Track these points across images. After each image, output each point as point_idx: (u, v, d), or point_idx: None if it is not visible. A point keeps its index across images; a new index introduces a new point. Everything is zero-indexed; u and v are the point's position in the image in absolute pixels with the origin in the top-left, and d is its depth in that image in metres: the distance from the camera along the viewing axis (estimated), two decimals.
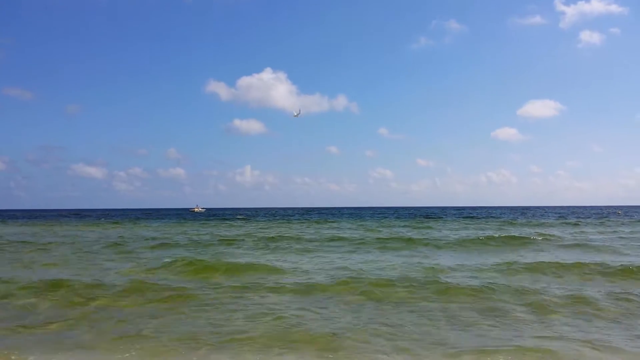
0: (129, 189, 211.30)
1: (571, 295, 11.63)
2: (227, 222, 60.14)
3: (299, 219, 67.75)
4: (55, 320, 9.74)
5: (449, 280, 13.55)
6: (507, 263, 16.80)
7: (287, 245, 25.51)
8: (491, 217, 72.62)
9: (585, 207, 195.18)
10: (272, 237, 30.86)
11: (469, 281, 13.48)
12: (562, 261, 16.97)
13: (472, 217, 71.54)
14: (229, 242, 27.84)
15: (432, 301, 11.21)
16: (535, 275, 14.79)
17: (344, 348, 7.99)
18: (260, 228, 43.72)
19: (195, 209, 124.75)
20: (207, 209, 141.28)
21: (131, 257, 20.28)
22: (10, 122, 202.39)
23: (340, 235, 32.50)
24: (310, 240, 28.33)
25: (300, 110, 39.73)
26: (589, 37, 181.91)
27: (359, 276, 14.24)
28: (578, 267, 15.69)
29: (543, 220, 57.11)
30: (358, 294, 11.96)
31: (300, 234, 34.91)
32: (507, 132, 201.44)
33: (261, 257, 20.31)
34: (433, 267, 16.28)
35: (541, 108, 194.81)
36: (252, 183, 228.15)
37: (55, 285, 12.95)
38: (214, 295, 12.01)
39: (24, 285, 13.06)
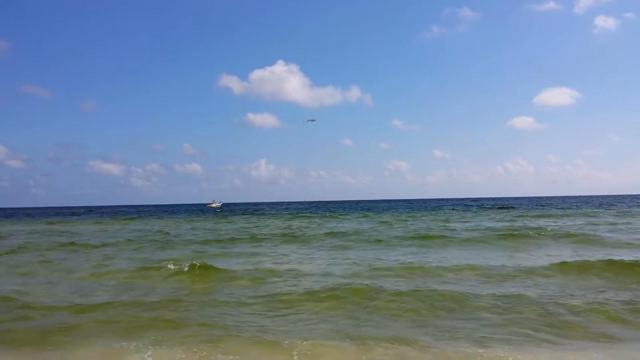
0: (146, 184, 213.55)
1: (551, 300, 10.36)
2: (237, 218, 59.40)
3: (309, 214, 66.80)
4: None
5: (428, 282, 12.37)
6: (500, 265, 15.34)
7: (281, 244, 24.57)
8: (505, 208, 70.91)
9: (604, 197, 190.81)
10: (274, 234, 29.97)
11: (450, 284, 12.28)
12: (567, 260, 15.56)
13: (487, 209, 69.97)
14: (230, 240, 26.90)
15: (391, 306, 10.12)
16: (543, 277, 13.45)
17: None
18: (267, 224, 42.87)
19: (212, 204, 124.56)
20: (224, 204, 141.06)
21: (113, 257, 19.46)
22: (28, 120, 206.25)
23: (342, 230, 31.40)
24: (306, 239, 27.26)
25: (314, 120, 39.47)
26: (603, 22, 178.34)
27: (338, 282, 13.09)
28: (578, 266, 14.25)
29: (557, 212, 55.23)
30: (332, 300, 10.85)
31: (303, 229, 33.94)
32: (523, 121, 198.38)
33: (254, 258, 19.32)
34: (423, 267, 15.08)
35: (558, 96, 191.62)
36: (267, 177, 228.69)
37: None
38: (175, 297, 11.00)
39: None
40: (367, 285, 12.08)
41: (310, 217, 56.29)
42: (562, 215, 45.84)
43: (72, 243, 25.87)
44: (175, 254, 20.79)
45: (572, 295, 10.93)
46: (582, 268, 14.04)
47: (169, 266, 15.46)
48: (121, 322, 9.43)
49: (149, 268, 16.00)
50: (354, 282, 12.63)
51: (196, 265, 15.20)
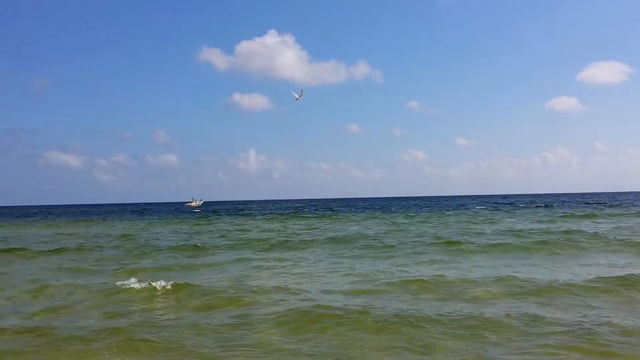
0: (112, 179, 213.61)
1: (595, 321, 10.10)
2: (220, 219, 59.41)
3: (307, 214, 66.84)
4: None
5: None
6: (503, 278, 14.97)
7: (270, 252, 24.62)
8: (544, 207, 70.84)
9: None
10: (262, 240, 29.93)
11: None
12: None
13: (521, 208, 69.90)
14: (209, 248, 26.68)
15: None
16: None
17: None
18: (256, 227, 42.85)
19: (192, 203, 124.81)
20: (205, 203, 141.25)
21: (64, 268, 19.31)
22: None
23: (345, 235, 31.28)
24: (301, 246, 27.13)
25: (302, 93, 38.51)
26: None
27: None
28: (631, 280, 14.00)
29: (606, 211, 55.05)
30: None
31: (298, 234, 33.85)
32: (565, 102, 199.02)
33: (237, 269, 19.22)
34: (441, 281, 14.92)
35: (606, 72, 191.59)
36: (257, 170, 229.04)
37: None
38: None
39: None
40: (369, 305, 11.91)
41: (309, 218, 56.41)
42: (613, 216, 45.68)
43: (15, 249, 25.80)
44: (143, 263, 20.87)
45: (620, 315, 10.69)
46: (636, 282, 13.81)
47: (131, 280, 15.23)
48: (72, 346, 9.25)
49: (107, 282, 15.86)
50: (354, 302, 12.47)
51: (164, 280, 15.05)
